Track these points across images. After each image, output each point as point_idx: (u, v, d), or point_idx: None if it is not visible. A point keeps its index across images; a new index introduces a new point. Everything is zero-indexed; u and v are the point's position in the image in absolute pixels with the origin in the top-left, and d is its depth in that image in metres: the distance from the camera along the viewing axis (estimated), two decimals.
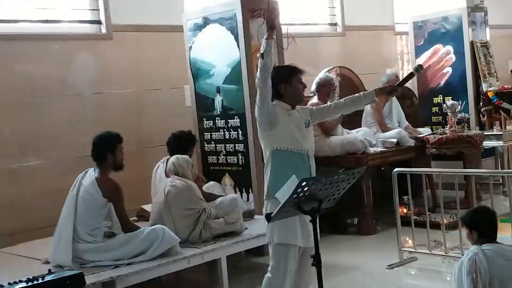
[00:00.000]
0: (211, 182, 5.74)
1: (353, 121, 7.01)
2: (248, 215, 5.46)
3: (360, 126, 7.12)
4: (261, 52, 3.51)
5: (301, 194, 3.04)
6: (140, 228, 4.56)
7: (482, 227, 3.56)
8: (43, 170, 5.77)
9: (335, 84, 6.65)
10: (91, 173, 4.54)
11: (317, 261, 3.18)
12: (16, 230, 5.46)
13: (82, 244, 4.39)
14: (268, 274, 3.72)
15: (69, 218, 4.43)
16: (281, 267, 3.63)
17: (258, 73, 3.58)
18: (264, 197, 3.74)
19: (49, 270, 3.18)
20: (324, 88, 6.56)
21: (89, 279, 4.04)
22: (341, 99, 4.06)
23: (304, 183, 2.99)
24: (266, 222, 3.36)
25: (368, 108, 7.19)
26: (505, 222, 4.78)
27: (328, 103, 6.41)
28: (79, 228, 4.41)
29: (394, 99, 7.29)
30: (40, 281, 2.97)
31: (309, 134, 3.84)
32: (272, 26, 3.56)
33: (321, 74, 6.81)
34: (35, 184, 5.70)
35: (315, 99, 6.63)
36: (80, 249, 4.38)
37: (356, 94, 4.04)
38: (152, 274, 4.40)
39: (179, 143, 5.40)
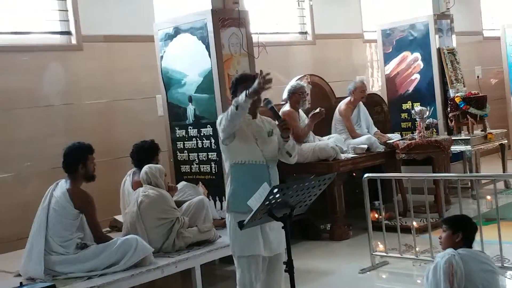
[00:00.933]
0: (183, 183, 5.73)
1: (322, 128, 7.10)
2: (222, 224, 5.47)
3: (330, 133, 7.21)
4: (237, 104, 3.45)
5: (273, 201, 3.08)
6: (113, 238, 4.54)
7: (469, 231, 3.71)
8: (13, 183, 5.73)
9: (306, 92, 6.71)
10: (63, 185, 4.51)
11: (289, 266, 3.22)
12: None
13: (54, 256, 4.36)
14: (237, 287, 3.74)
15: (40, 230, 4.40)
16: (246, 278, 3.66)
17: (227, 117, 3.52)
18: (226, 210, 3.76)
19: (21, 283, 3.16)
20: (295, 96, 6.63)
21: None
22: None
23: (276, 190, 3.04)
24: (239, 229, 3.37)
25: (337, 115, 7.30)
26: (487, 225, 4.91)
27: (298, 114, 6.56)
28: (51, 240, 4.38)
29: (362, 105, 7.40)
30: None
31: (272, 143, 3.74)
32: (259, 92, 3.49)
33: (292, 82, 6.88)
34: (5, 197, 5.65)
35: (286, 107, 6.69)
36: (52, 261, 4.35)
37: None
38: (126, 284, 4.38)
39: (142, 153, 5.40)
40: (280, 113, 6.53)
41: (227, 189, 3.74)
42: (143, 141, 5.52)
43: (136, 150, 5.47)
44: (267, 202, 3.06)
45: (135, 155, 5.46)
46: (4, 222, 5.54)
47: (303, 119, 6.74)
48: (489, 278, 3.57)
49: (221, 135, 3.68)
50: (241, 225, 3.21)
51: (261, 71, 3.47)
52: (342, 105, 7.32)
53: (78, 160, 4.51)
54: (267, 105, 3.68)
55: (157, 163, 5.32)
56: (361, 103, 7.40)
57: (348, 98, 7.33)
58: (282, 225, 3.23)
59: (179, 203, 5.21)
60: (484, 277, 3.55)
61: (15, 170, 5.76)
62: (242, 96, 3.45)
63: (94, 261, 4.37)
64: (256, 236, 3.61)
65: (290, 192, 3.10)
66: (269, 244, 3.66)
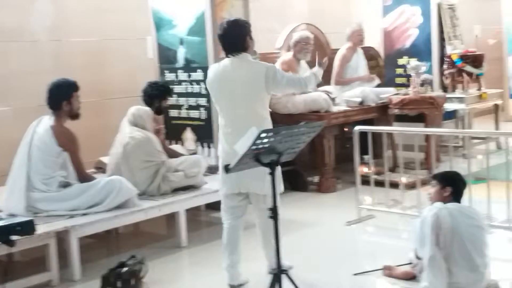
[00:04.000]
0: (175, 145, 5.69)
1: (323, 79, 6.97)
2: (209, 170, 5.40)
3: (329, 84, 7.10)
4: (315, 73, 4.13)
5: (261, 146, 2.99)
6: (96, 178, 4.46)
7: (458, 186, 3.70)
8: (1, 118, 5.58)
9: (311, 44, 6.57)
10: (46, 121, 4.40)
11: (274, 213, 3.15)
12: None
13: (36, 193, 4.29)
14: None
15: (22, 166, 4.31)
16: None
17: (307, 79, 4.06)
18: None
19: None
20: (299, 45, 6.49)
21: (42, 228, 3.99)
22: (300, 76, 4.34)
23: (263, 135, 2.94)
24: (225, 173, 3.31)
25: (335, 62, 7.16)
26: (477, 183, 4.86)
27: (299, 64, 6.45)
28: (33, 177, 4.30)
29: (361, 52, 7.27)
30: None
31: None
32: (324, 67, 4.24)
33: (300, 32, 6.72)
34: None
35: (288, 55, 6.56)
36: (33, 198, 4.28)
37: (309, 72, 4.26)
38: (108, 225, 4.35)
39: (156, 90, 5.23)
40: (280, 60, 6.57)
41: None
42: (156, 81, 5.47)
43: (150, 86, 5.28)
44: (254, 147, 2.97)
45: (148, 90, 5.24)
46: None
47: (304, 68, 6.61)
48: (476, 233, 3.55)
49: (279, 87, 3.94)
50: (226, 169, 3.13)
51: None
52: (341, 50, 7.19)
53: (62, 97, 4.39)
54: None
55: (165, 106, 5.31)
56: (360, 50, 7.25)
57: (347, 44, 7.18)
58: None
59: (175, 154, 5.14)
60: (471, 232, 3.53)
61: (1, 105, 5.61)
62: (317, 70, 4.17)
63: (76, 200, 4.32)
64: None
65: (278, 138, 3.01)
66: (240, 180, 3.78)
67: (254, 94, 3.76)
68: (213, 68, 3.92)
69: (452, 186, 3.69)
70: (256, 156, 3.05)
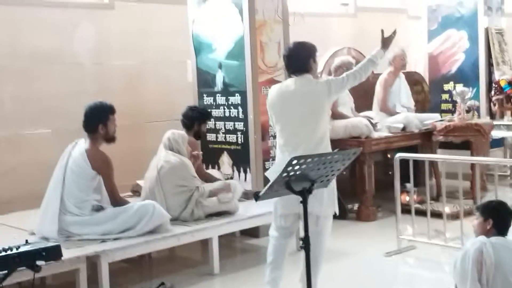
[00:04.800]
0: (211, 170, 5.67)
1: (361, 103, 6.84)
2: (245, 196, 5.30)
3: (370, 109, 6.95)
4: (372, 58, 4.05)
5: (292, 172, 2.88)
6: (129, 203, 4.42)
7: (501, 218, 3.43)
8: (42, 139, 5.65)
9: (351, 69, 6.45)
10: (81, 144, 4.39)
11: (305, 243, 3.02)
12: (12, 199, 5.35)
13: (69, 216, 4.26)
14: None
15: (56, 189, 4.30)
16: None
17: (365, 68, 4.03)
18: None
19: (26, 240, 3.04)
20: (341, 70, 6.37)
21: (73, 253, 3.95)
22: (354, 67, 4.21)
23: (294, 162, 2.83)
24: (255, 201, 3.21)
25: (377, 87, 7.01)
26: None
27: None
28: (67, 200, 4.28)
29: (403, 77, 7.10)
30: (14, 251, 2.83)
31: None
32: (388, 46, 4.16)
33: (342, 57, 6.66)
34: (33, 153, 5.58)
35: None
36: (66, 222, 4.25)
37: (365, 59, 4.15)
38: (139, 250, 4.29)
39: (196, 114, 5.28)
40: None
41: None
42: (196, 105, 5.57)
43: (190, 110, 5.31)
44: (285, 174, 2.86)
45: (188, 113, 5.27)
46: (32, 178, 5.42)
47: (345, 93, 6.49)
48: None
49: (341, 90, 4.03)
50: (256, 196, 3.02)
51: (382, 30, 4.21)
52: (382, 75, 7.03)
53: (98, 120, 4.37)
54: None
55: (204, 130, 5.33)
56: (402, 75, 7.10)
57: (389, 69, 7.03)
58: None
59: (211, 178, 5.09)
60: None
61: (44, 126, 5.70)
62: (379, 51, 4.08)
63: (109, 224, 4.27)
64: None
65: (310, 165, 2.89)
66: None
67: (316, 112, 3.79)
68: (275, 88, 3.96)
69: (495, 218, 3.46)
70: (287, 183, 2.94)
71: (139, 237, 4.26)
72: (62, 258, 3.67)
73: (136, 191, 5.50)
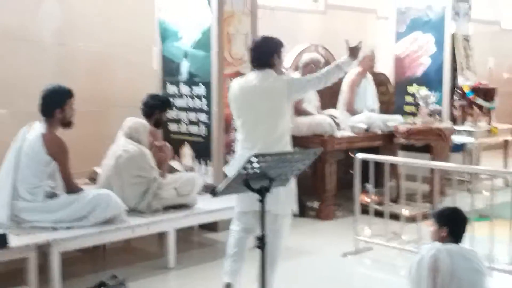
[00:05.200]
0: (172, 161, 5.53)
1: (327, 101, 6.83)
2: (205, 189, 5.22)
3: (335, 108, 6.95)
4: (340, 64, 3.92)
5: (251, 170, 2.82)
6: (84, 190, 4.29)
7: (456, 227, 3.44)
8: None
9: (320, 67, 6.42)
10: (37, 128, 4.24)
11: (262, 243, 2.97)
12: None
13: (21, 202, 4.13)
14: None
15: (9, 173, 4.16)
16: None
17: (331, 73, 3.90)
18: None
19: None
20: (309, 67, 6.35)
21: (23, 240, 3.85)
22: (321, 70, 4.05)
23: (254, 159, 2.77)
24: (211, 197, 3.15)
25: (343, 86, 7.00)
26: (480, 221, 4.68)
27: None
28: (19, 185, 4.14)
29: (370, 78, 7.12)
30: None
31: None
32: (356, 55, 4.01)
33: (311, 54, 6.61)
34: None
35: (296, 76, 6.41)
36: (18, 207, 4.12)
37: (333, 64, 4.03)
38: (93, 241, 4.18)
39: (157, 101, 5.19)
40: None
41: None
42: (156, 93, 5.44)
43: (151, 97, 5.21)
44: (244, 171, 2.80)
45: (149, 101, 5.17)
46: None
47: (310, 92, 6.45)
48: (475, 278, 3.33)
49: (302, 91, 3.99)
50: (214, 192, 2.96)
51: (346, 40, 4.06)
52: (350, 75, 7.02)
53: (56, 104, 4.24)
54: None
55: (164, 119, 5.25)
56: (369, 76, 7.11)
57: (357, 69, 7.03)
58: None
59: (172, 169, 4.99)
60: (470, 277, 3.31)
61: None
62: (345, 59, 3.93)
63: (62, 212, 4.15)
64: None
65: (270, 164, 2.83)
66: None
67: (276, 108, 3.75)
68: (237, 82, 3.92)
69: (450, 225, 3.46)
70: (246, 181, 2.88)
71: (93, 227, 4.15)
72: (11, 245, 3.58)
73: (94, 179, 5.35)
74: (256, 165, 2.77)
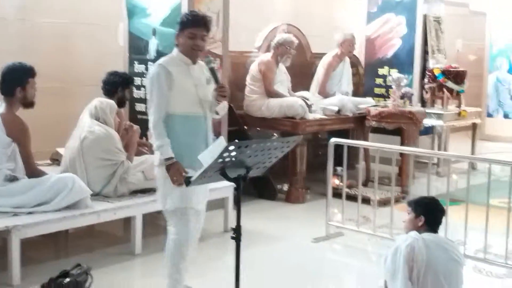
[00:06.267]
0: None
1: (299, 83, 6.70)
2: None
3: (308, 90, 6.82)
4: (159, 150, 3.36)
5: (228, 159, 2.68)
6: (47, 174, 4.09)
7: (433, 216, 3.38)
8: None
9: (294, 49, 6.27)
10: None
11: (237, 234, 2.83)
12: None
13: None
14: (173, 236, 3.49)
15: None
16: (184, 232, 3.45)
17: (153, 133, 3.41)
18: (156, 164, 3.46)
19: None
20: (282, 48, 6.20)
21: None
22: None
23: (232, 147, 2.63)
24: (184, 186, 2.99)
25: (319, 68, 6.88)
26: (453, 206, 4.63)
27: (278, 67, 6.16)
28: None
29: (348, 62, 7.01)
30: None
31: (209, 92, 3.49)
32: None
33: (285, 35, 6.41)
34: None
35: (267, 56, 6.27)
36: None
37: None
38: (55, 227, 3.99)
39: (117, 78, 4.92)
40: (258, 60, 6.25)
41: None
42: (116, 71, 5.09)
43: (111, 75, 4.95)
44: (221, 160, 2.65)
45: (110, 78, 4.91)
46: None
47: (283, 72, 6.31)
48: (452, 268, 3.28)
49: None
50: (187, 181, 2.81)
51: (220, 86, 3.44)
52: (327, 57, 6.89)
53: (16, 83, 4.02)
54: (207, 64, 3.52)
55: (127, 97, 5.01)
56: (347, 59, 7.00)
57: (335, 51, 6.89)
58: None
59: (140, 152, 4.79)
60: (447, 266, 3.25)
61: None
62: (163, 154, 3.33)
63: (23, 196, 3.95)
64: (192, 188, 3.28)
65: (248, 151, 2.69)
66: (203, 198, 3.54)
67: None
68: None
69: (427, 215, 3.40)
70: (222, 169, 2.74)
71: (56, 213, 3.96)
72: None
73: (56, 160, 5.15)
74: (233, 153, 2.63)
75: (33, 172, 4.06)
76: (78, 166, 4.34)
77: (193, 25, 3.39)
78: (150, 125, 3.40)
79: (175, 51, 3.48)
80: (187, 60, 3.44)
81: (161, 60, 3.46)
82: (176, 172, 3.27)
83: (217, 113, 3.57)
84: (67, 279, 3.44)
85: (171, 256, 3.47)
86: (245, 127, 6.30)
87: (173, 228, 3.49)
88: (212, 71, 3.45)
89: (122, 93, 4.94)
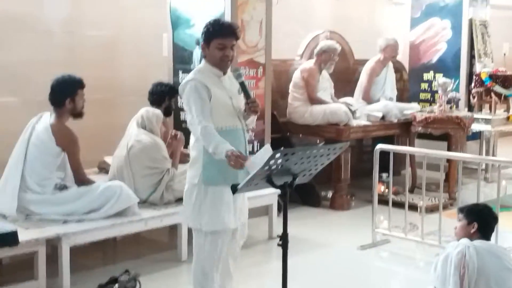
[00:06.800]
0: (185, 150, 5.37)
1: (342, 88, 6.67)
2: None
3: (352, 96, 6.79)
4: (214, 152, 3.07)
5: (274, 166, 2.67)
6: (95, 182, 4.17)
7: (486, 223, 3.32)
8: (8, 108, 5.29)
9: (336, 55, 6.24)
10: (46, 118, 4.12)
11: (284, 241, 2.82)
12: None
13: (29, 194, 4.00)
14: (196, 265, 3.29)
15: (17, 164, 4.03)
16: (215, 255, 3.24)
17: (205, 139, 3.10)
18: (190, 185, 3.27)
19: None
20: (325, 55, 6.17)
21: (32, 234, 3.72)
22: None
23: (278, 154, 2.62)
24: (232, 193, 2.98)
25: (363, 74, 6.83)
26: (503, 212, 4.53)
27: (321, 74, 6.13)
28: (28, 177, 4.01)
29: (391, 67, 6.94)
30: None
31: (242, 102, 3.28)
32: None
33: (328, 41, 6.39)
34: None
35: (309, 63, 6.26)
36: (27, 199, 3.99)
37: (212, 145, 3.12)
38: (104, 234, 4.06)
39: (164, 88, 4.95)
40: (300, 68, 6.25)
41: (196, 163, 3.22)
42: (161, 81, 5.13)
43: (157, 85, 4.99)
44: (267, 167, 2.65)
45: (157, 89, 4.95)
46: None
47: (326, 79, 6.29)
48: (504, 276, 3.19)
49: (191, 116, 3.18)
50: (234, 189, 2.82)
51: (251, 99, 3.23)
52: (370, 63, 6.83)
53: (66, 94, 4.10)
54: (238, 78, 3.28)
55: (173, 106, 5.07)
56: (391, 64, 6.93)
57: (378, 57, 6.83)
58: None
59: (186, 159, 4.84)
60: (499, 274, 3.17)
61: (7, 95, 5.34)
62: (220, 153, 3.03)
63: (72, 204, 4.03)
64: (227, 207, 3.20)
65: (294, 158, 2.68)
66: (238, 213, 3.31)
67: None
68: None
69: (480, 221, 3.33)
70: (269, 177, 2.74)
71: (104, 220, 4.03)
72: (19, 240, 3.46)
73: (103, 168, 5.24)
74: (279, 160, 2.62)
75: (82, 180, 4.14)
76: (126, 174, 4.41)
77: (222, 35, 3.20)
78: (198, 133, 3.12)
79: (203, 63, 3.29)
80: (218, 72, 3.25)
81: (192, 75, 3.22)
82: (237, 160, 2.97)
83: (247, 126, 3.36)
84: (116, 285, 3.49)
85: (197, 283, 3.29)
86: (288, 134, 6.30)
87: (199, 251, 3.27)
88: (243, 85, 3.25)
89: (169, 102, 5.00)
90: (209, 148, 3.08)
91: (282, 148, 2.59)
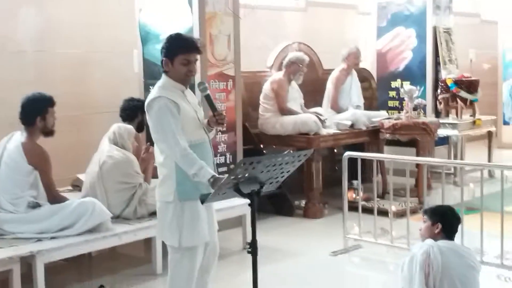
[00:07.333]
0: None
1: (311, 99, 6.79)
2: None
3: (320, 106, 6.90)
4: (195, 174, 3.06)
5: (241, 175, 2.76)
6: (68, 199, 4.21)
7: (449, 223, 3.43)
8: None
9: (305, 66, 6.37)
10: (17, 137, 4.15)
11: (253, 248, 2.90)
12: None
13: (2, 213, 4.04)
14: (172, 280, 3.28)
15: None
16: (189, 271, 3.24)
17: (183, 163, 3.09)
18: (163, 204, 3.27)
19: None
20: (294, 66, 6.29)
21: (6, 253, 3.75)
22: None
23: (243, 164, 2.71)
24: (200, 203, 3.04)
25: (329, 84, 6.96)
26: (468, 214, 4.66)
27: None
28: (0, 196, 4.03)
29: (355, 75, 7.08)
30: None
31: (203, 114, 3.34)
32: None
33: (297, 53, 6.51)
34: None
35: (278, 75, 6.38)
36: (0, 219, 4.00)
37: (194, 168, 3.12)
38: (78, 250, 4.09)
39: (136, 104, 4.98)
40: (270, 79, 6.37)
41: (167, 180, 3.21)
42: (132, 97, 5.15)
43: (128, 101, 5.03)
44: (233, 177, 2.74)
45: (129, 104, 4.98)
46: None
47: (295, 90, 6.41)
48: (468, 274, 3.32)
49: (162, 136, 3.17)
50: (203, 199, 2.89)
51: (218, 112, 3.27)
52: (335, 72, 6.98)
53: (36, 112, 4.14)
54: (203, 92, 3.32)
55: (146, 121, 4.99)
56: (354, 73, 7.07)
57: (342, 66, 6.98)
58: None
59: (155, 173, 4.88)
60: (462, 272, 3.29)
61: None
62: (202, 177, 3.04)
63: (46, 222, 4.05)
64: (203, 221, 3.24)
65: (260, 167, 2.77)
66: (211, 226, 3.36)
67: None
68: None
69: (443, 222, 3.46)
70: (236, 185, 2.82)
71: (78, 236, 4.06)
72: None
73: (77, 186, 5.27)
74: (245, 169, 2.71)
75: (54, 198, 4.18)
76: (98, 190, 4.45)
77: (187, 51, 3.18)
78: (177, 155, 3.09)
79: (165, 78, 3.24)
80: (181, 87, 3.24)
81: (157, 92, 3.17)
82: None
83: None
84: None
85: None
86: (261, 145, 6.39)
87: (175, 267, 3.25)
88: (208, 98, 3.27)
89: (142, 117, 5.02)
90: (190, 171, 3.06)
91: (246, 158, 2.68)
